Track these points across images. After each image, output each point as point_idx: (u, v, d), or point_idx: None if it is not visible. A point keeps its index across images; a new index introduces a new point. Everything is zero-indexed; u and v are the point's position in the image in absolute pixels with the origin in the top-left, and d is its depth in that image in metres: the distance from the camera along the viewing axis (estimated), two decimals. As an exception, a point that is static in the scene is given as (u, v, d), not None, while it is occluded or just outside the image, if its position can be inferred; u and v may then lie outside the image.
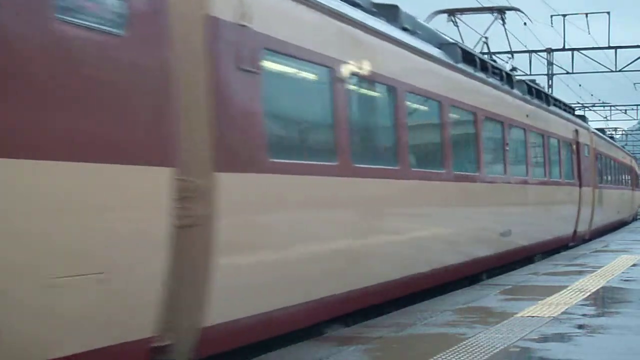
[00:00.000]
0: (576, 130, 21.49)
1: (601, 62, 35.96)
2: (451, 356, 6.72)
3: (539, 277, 12.81)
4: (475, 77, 13.05)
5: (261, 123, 6.81)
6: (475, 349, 6.98)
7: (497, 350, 6.94)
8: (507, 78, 15.09)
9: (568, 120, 21.00)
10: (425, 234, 10.60)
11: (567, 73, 36.87)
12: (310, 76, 8.19)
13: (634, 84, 46.16)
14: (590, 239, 22.66)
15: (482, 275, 13.22)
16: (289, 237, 7.33)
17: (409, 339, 7.63)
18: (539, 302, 9.78)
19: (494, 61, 15.96)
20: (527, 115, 15.98)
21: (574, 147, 21.02)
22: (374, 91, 9.49)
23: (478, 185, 12.64)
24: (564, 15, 34.77)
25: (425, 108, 11.02)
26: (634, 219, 40.70)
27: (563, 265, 14.88)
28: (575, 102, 45.51)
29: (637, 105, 54.56)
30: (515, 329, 7.91)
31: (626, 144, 66.30)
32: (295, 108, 7.99)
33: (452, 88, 11.74)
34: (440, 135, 11.25)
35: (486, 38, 18.67)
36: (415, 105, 10.57)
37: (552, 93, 34.81)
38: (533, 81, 20.06)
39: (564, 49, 35.37)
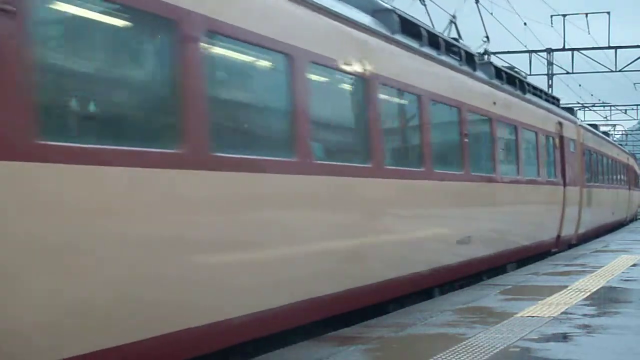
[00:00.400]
0: (560, 123, 19.16)
1: (601, 62, 36.01)
2: (451, 356, 6.72)
3: (539, 277, 12.80)
4: (419, 52, 10.88)
5: (21, 85, 4.73)
6: (475, 349, 6.98)
7: (497, 350, 6.93)
8: (467, 58, 13.00)
9: (549, 111, 18.59)
10: (335, 246, 8.25)
11: (567, 73, 36.89)
12: (132, 27, 5.93)
13: (634, 84, 46.13)
14: (577, 244, 21.09)
15: (433, 292, 11.30)
16: (69, 256, 4.97)
17: (409, 339, 7.62)
18: (539, 302, 9.78)
19: (457, 40, 14.02)
20: (494, 103, 13.79)
21: (557, 141, 18.65)
22: (258, 59, 7.42)
23: (422, 183, 10.43)
24: (564, 15, 34.81)
25: (344, 87, 9.07)
26: (632, 220, 40.48)
27: (563, 265, 14.87)
28: (575, 102, 45.57)
29: (637, 105, 54.53)
30: (515, 329, 7.90)
31: (626, 144, 66.28)
32: (98, 66, 5.64)
33: (385, 63, 9.61)
34: (366, 121, 9.09)
35: (454, 17, 16.17)
36: (328, 82, 8.67)
37: (552, 93, 34.73)
38: (512, 68, 18.40)
39: (564, 49, 35.39)
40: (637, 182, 40.88)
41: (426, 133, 10.67)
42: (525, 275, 13.13)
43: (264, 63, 7.58)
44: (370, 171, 8.99)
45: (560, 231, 18.78)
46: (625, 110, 55.20)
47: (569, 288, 11.12)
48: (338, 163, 8.35)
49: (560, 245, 18.93)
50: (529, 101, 16.92)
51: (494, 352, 6.85)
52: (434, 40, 11.61)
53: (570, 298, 10.12)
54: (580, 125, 23.26)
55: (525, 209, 15.75)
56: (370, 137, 9.10)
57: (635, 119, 62.50)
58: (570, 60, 36.03)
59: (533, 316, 8.70)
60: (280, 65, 7.47)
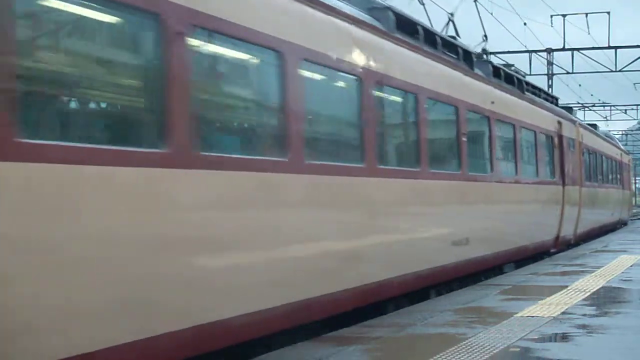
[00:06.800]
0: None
1: (601, 62, 35.98)
2: (451, 356, 6.72)
3: (539, 277, 12.81)
4: (416, 48, 10.94)
5: None
6: (475, 349, 6.98)
7: (497, 350, 6.94)
8: (464, 56, 13.15)
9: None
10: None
11: (567, 73, 36.89)
12: None
13: (634, 84, 46.11)
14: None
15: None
16: None
17: (409, 339, 7.63)
18: (539, 302, 9.78)
19: (454, 38, 14.00)
20: (492, 102, 14.00)
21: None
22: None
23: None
24: (564, 15, 34.79)
25: (340, 85, 8.99)
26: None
27: (563, 265, 14.88)
28: (575, 102, 45.55)
29: (637, 105, 54.52)
30: (515, 329, 7.91)
31: (626, 144, 66.29)
32: None
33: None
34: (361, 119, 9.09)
35: (452, 15, 16.02)
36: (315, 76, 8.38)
37: (552, 93, 34.73)
38: (510, 66, 19.02)
39: (564, 49, 35.37)
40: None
41: (421, 130, 10.73)
42: (525, 275, 13.14)
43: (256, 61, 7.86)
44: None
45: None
46: (625, 110, 55.22)
47: (568, 288, 11.13)
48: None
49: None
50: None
51: (494, 352, 6.86)
52: (430, 38, 11.57)
53: (570, 298, 10.12)
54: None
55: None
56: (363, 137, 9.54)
57: (635, 119, 62.51)
58: (570, 60, 36.06)
59: (533, 316, 8.71)
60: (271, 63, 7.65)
